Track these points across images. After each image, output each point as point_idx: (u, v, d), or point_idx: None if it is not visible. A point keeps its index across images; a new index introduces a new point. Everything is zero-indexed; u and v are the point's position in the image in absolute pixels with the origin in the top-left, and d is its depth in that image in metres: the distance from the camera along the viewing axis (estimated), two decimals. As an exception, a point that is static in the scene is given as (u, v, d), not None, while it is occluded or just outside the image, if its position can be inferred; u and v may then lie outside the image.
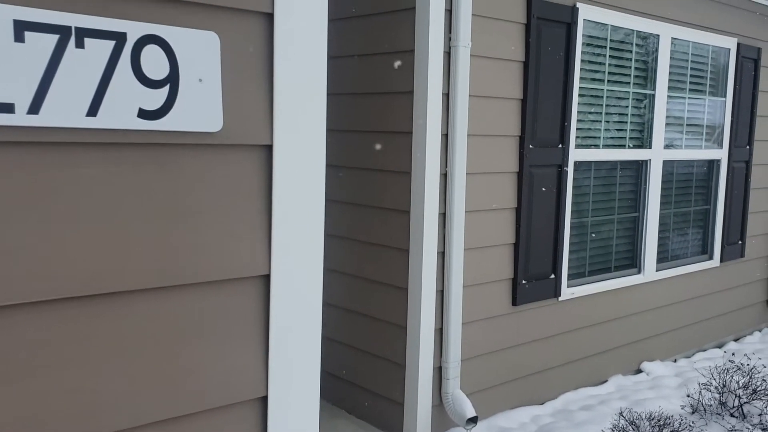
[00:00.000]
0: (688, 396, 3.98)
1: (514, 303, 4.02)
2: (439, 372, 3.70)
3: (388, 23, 3.65)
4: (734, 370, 3.87)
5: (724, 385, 3.83)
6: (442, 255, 3.65)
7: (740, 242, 5.77)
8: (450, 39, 3.53)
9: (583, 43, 4.21)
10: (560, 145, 4.15)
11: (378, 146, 3.76)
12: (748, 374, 3.86)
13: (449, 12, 3.51)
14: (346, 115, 3.94)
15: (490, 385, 3.98)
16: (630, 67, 4.62)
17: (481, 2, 3.63)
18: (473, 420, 3.63)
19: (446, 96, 3.55)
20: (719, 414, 3.79)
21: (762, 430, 3.66)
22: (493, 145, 3.83)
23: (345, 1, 3.91)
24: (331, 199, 4.04)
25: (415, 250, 3.55)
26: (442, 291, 3.66)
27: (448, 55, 3.54)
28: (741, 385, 3.80)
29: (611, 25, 4.41)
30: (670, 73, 4.88)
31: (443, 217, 3.63)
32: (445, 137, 3.58)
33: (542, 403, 4.28)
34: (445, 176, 3.60)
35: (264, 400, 1.72)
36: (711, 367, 4.06)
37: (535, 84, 3.96)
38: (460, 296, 3.66)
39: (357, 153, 3.88)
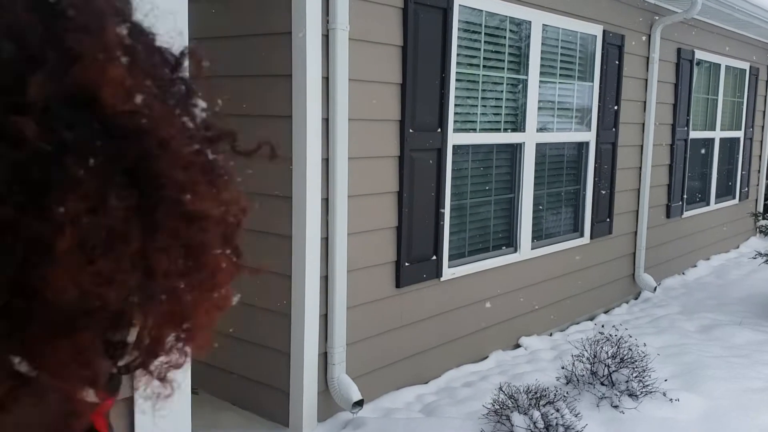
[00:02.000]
0: (563, 368, 4.18)
1: (398, 285, 4.07)
2: (324, 358, 3.70)
3: (265, 4, 3.57)
4: (604, 341, 4.10)
5: (595, 356, 4.05)
6: (326, 241, 3.63)
7: (608, 220, 6.12)
8: (328, 22, 3.49)
9: (459, 29, 4.29)
10: (439, 130, 4.22)
11: (257, 132, 3.67)
12: (616, 344, 4.09)
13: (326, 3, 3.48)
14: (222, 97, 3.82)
15: (376, 367, 4.02)
16: (504, 53, 4.76)
17: (358, -15, 3.62)
18: (359, 403, 3.65)
19: (326, 80, 3.52)
20: (591, 383, 4.00)
21: (629, 395, 3.91)
22: (374, 129, 3.84)
23: (219, -19, 3.78)
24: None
25: (298, 236, 3.51)
26: (326, 277, 3.64)
27: (326, 38, 3.50)
28: (609, 354, 4.03)
29: (486, 11, 4.52)
30: (541, 59, 5.06)
31: (326, 202, 3.60)
32: (326, 122, 3.55)
33: (426, 382, 4.38)
34: (327, 161, 3.58)
35: (131, 400, 1.64)
36: (583, 339, 4.29)
37: (414, 69, 3.99)
38: (344, 281, 3.66)
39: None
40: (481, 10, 4.48)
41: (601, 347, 4.10)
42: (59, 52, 0.37)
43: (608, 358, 4.04)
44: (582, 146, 5.77)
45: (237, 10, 3.69)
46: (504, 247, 5.02)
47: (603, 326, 4.83)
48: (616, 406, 3.86)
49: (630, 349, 4.11)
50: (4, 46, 0.36)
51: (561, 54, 5.32)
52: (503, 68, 4.77)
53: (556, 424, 3.34)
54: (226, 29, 3.74)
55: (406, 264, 4.09)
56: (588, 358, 4.10)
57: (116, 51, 0.39)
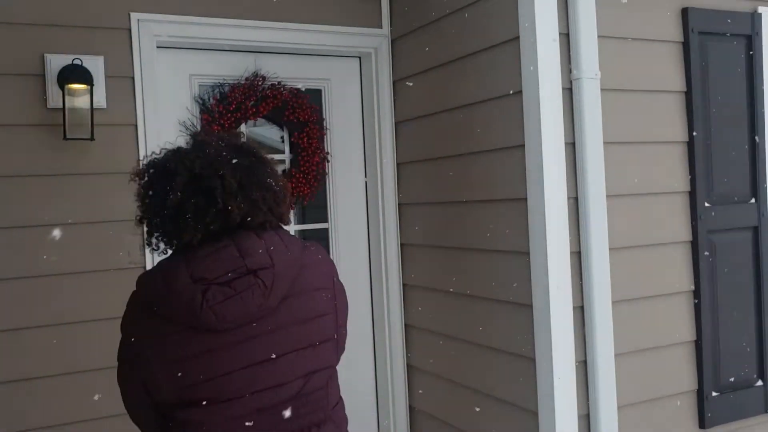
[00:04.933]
0: None
1: (702, 425, 2.86)
2: None
3: (485, 63, 2.85)
4: None
5: None
6: (584, 364, 2.64)
7: None
8: (571, 71, 2.63)
9: (773, 60, 3.08)
10: (753, 200, 3.00)
11: (488, 234, 2.89)
12: None
13: (566, 36, 2.64)
14: (445, 186, 3.15)
15: None
16: None
17: (609, 20, 2.72)
18: None
19: (571, 146, 2.64)
20: None
21: None
22: (646, 206, 2.81)
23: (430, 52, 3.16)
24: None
25: (543, 359, 2.59)
26: (588, 415, 2.63)
27: (569, 92, 2.64)
28: None
29: (814, 32, 3.23)
30: None
31: (581, 310, 2.64)
32: (575, 202, 2.64)
33: None
34: (579, 255, 2.65)
35: None
36: None
37: (704, 120, 2.90)
38: (614, 422, 2.61)
39: (464, 234, 3.04)
40: (807, 32, 3.21)
41: None
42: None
43: None
44: None
45: (457, 75, 3.02)
46: None
47: None
48: None
49: None
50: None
51: None
52: None
53: None
54: (448, 100, 3.08)
55: (713, 394, 2.87)
56: None
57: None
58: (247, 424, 1.39)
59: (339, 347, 1.57)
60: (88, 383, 2.81)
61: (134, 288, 1.49)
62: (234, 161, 1.46)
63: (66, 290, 2.83)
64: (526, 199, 2.65)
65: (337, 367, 1.65)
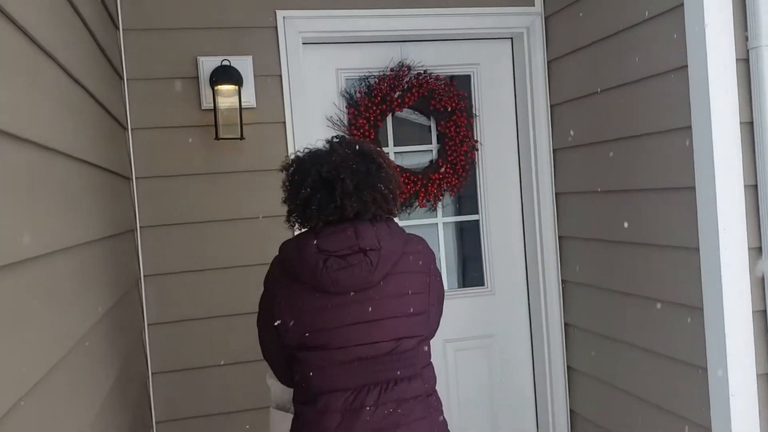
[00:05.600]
0: None
1: None
2: None
3: (646, 36, 2.54)
4: None
5: None
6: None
7: None
8: (747, 39, 2.27)
9: None
10: None
11: (652, 227, 2.59)
12: None
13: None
14: (607, 173, 2.87)
15: None
16: None
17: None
18: None
19: (748, 126, 2.28)
20: None
21: None
22: None
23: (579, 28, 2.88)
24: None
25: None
26: (774, 434, 2.28)
27: (745, 63, 2.28)
28: None
29: None
30: None
31: (762, 315, 2.29)
32: (753, 189, 2.28)
33: None
34: (759, 250, 2.29)
35: None
36: None
37: None
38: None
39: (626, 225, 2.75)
40: None
41: None
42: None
43: None
44: None
45: (611, 54, 2.73)
46: None
47: None
48: None
49: None
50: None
51: None
52: None
53: None
54: (613, 78, 2.80)
55: None
56: None
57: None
58: (349, 369, 1.75)
59: (429, 321, 1.87)
60: (246, 370, 2.91)
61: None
62: (354, 167, 1.78)
63: (221, 284, 2.94)
64: (694, 188, 2.34)
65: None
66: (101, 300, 1.94)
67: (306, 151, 1.88)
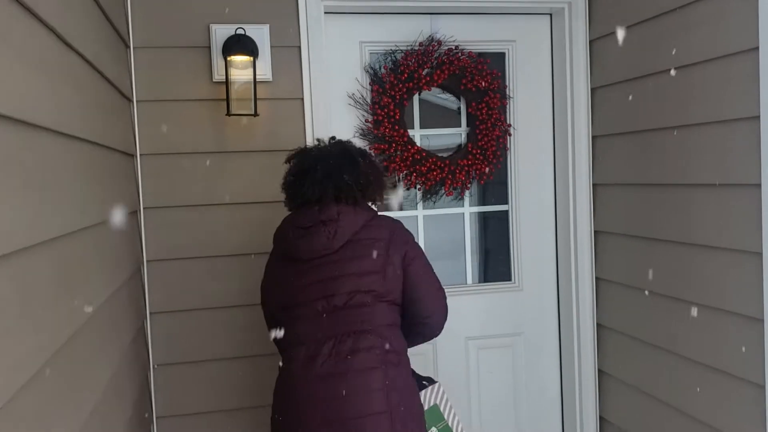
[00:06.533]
0: None
1: None
2: None
3: (707, 13, 2.27)
4: None
5: None
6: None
7: None
8: (829, 18, 2.00)
9: None
10: None
11: (704, 226, 2.34)
12: None
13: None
14: (652, 165, 2.62)
15: None
16: None
17: None
18: None
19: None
20: None
21: None
22: None
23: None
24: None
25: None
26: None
27: (826, 46, 2.01)
28: None
29: None
30: None
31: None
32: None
33: None
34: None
35: None
36: None
37: None
38: None
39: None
40: None
41: None
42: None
43: None
44: None
45: (677, 31, 2.46)
46: None
47: None
48: None
49: None
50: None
51: None
52: None
53: None
54: (666, 60, 2.54)
55: None
56: None
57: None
58: (311, 324, 2.01)
59: (386, 280, 2.04)
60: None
61: None
62: (330, 161, 2.10)
63: (229, 273, 2.73)
64: (759, 186, 2.08)
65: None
66: (94, 294, 1.72)
67: (309, 146, 2.24)
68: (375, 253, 2.03)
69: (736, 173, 2.19)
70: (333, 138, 2.26)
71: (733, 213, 2.22)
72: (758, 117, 2.07)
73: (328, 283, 2.01)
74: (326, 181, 2.06)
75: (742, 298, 2.18)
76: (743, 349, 2.18)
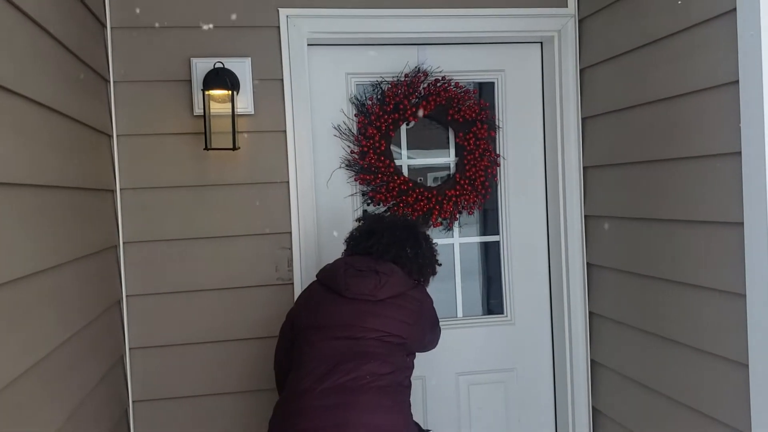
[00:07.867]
0: None
1: None
2: None
3: (691, 44, 2.19)
4: None
5: None
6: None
7: None
8: (812, 49, 1.91)
9: None
10: None
11: (693, 265, 2.24)
12: None
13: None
14: (643, 199, 2.52)
15: None
16: None
17: None
18: None
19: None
20: None
21: None
22: None
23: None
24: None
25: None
26: None
27: (809, 78, 1.92)
28: None
29: None
30: None
31: (822, 377, 1.93)
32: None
33: None
34: (820, 301, 1.93)
35: None
36: None
37: None
38: None
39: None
40: None
41: None
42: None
43: None
44: None
45: (661, 59, 2.38)
46: None
47: None
48: None
49: None
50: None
51: None
52: None
53: None
54: (653, 90, 2.46)
55: None
56: None
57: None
58: (333, 345, 2.11)
59: (405, 347, 2.18)
60: (229, 401, 2.66)
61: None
62: (397, 232, 2.31)
63: (214, 307, 2.70)
64: (742, 224, 1.99)
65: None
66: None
67: (382, 214, 2.68)
68: (407, 315, 2.17)
69: (717, 210, 2.10)
70: (404, 214, 2.70)
71: (715, 252, 2.12)
72: (740, 153, 1.98)
73: (358, 317, 2.13)
74: (390, 246, 2.26)
75: (731, 341, 2.08)
76: (731, 393, 2.08)
